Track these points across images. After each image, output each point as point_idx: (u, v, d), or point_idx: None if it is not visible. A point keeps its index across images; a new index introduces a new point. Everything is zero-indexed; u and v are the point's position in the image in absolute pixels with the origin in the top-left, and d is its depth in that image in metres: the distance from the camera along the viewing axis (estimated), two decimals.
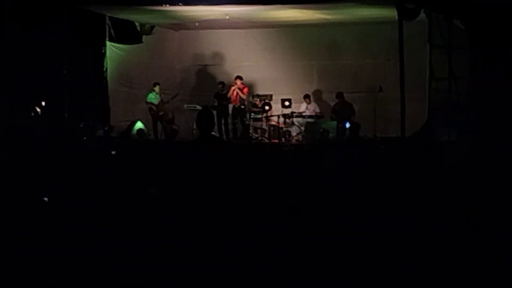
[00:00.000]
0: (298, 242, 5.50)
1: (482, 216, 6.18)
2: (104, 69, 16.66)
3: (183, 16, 16.55)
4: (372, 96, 16.50)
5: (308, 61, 18.36)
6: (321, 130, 16.08)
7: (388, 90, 15.99)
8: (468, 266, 5.02)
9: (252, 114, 17.29)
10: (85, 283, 5.01)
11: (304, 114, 17.14)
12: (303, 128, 16.93)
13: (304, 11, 15.61)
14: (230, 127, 17.29)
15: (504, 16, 13.70)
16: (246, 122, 17.24)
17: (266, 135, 17.11)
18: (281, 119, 16.84)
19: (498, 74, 13.94)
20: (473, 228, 5.82)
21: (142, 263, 5.16)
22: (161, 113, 17.19)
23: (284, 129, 17.00)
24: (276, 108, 17.27)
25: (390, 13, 14.31)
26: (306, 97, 17.51)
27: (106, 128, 15.85)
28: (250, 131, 17.16)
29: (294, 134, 17.04)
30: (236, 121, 17.27)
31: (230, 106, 17.20)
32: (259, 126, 17.32)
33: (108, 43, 16.72)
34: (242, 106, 17.22)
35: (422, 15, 14.24)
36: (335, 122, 16.51)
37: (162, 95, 17.28)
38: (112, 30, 16.81)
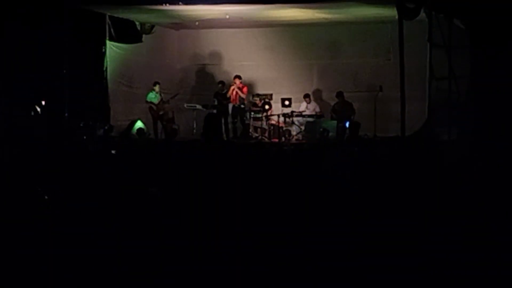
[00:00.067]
0: (298, 242, 5.49)
1: (482, 216, 6.18)
2: (104, 69, 16.67)
3: (183, 16, 16.56)
4: (372, 96, 16.51)
5: (308, 61, 18.37)
6: (321, 129, 16.09)
7: (388, 89, 16.00)
8: (468, 266, 5.01)
9: (252, 113, 17.31)
10: (85, 283, 5.00)
11: (304, 113, 17.15)
12: (303, 128, 16.94)
13: (304, 10, 15.61)
14: (230, 126, 17.29)
15: (504, 16, 13.70)
16: (246, 122, 17.25)
17: (266, 135, 17.12)
18: (281, 119, 16.85)
19: (498, 73, 13.94)
20: (473, 228, 5.81)
21: (142, 263, 5.15)
22: (161, 113, 17.20)
23: (284, 128, 17.01)
24: (276, 108, 17.28)
25: (390, 12, 14.32)
26: (306, 96, 17.52)
27: (106, 128, 15.85)
28: (250, 131, 17.18)
29: (294, 133, 17.05)
30: (236, 120, 17.27)
31: (230, 106, 17.20)
32: (259, 126, 17.33)
33: (108, 42, 16.73)
34: (242, 106, 17.23)
35: (422, 14, 14.24)
36: (335, 122, 16.52)
37: (162, 95, 17.29)
38: (112, 30, 16.82)
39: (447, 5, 14.23)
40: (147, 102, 17.18)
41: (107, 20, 16.68)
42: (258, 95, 17.67)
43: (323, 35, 18.14)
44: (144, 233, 5.72)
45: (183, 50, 19.46)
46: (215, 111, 16.94)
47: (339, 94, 17.10)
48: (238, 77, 17.24)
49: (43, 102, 15.80)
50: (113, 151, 11.24)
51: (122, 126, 16.57)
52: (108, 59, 16.72)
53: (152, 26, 18.24)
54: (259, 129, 17.29)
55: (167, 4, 14.98)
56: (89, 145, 13.71)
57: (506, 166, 8.50)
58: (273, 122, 17.11)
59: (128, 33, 17.45)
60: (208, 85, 18.59)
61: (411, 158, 9.85)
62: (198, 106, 17.50)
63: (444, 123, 14.09)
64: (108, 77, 16.74)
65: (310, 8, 15.35)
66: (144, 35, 18.01)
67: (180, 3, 14.85)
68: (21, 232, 5.68)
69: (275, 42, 18.52)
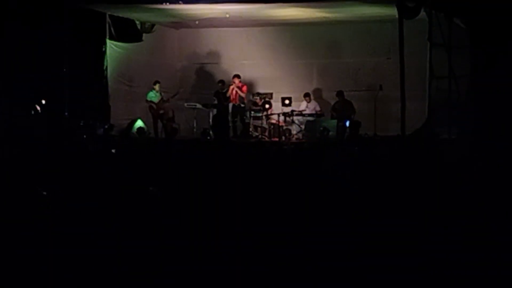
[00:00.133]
0: (298, 242, 5.49)
1: (482, 216, 6.18)
2: (104, 68, 16.65)
3: (184, 15, 16.56)
4: (372, 95, 16.51)
5: (308, 60, 18.36)
6: (321, 128, 16.07)
7: (388, 88, 16.00)
8: (468, 266, 5.01)
9: (252, 112, 17.30)
10: (85, 283, 5.00)
11: (304, 112, 17.14)
12: (303, 127, 16.92)
13: (304, 9, 15.61)
14: (230, 125, 17.27)
15: (504, 15, 13.70)
16: (246, 121, 17.24)
17: (266, 134, 17.11)
18: (281, 118, 16.84)
19: (498, 73, 13.93)
20: (473, 228, 5.82)
21: (142, 263, 5.15)
22: (161, 112, 17.19)
23: (284, 127, 17.00)
24: (276, 107, 17.27)
25: (390, 11, 14.30)
26: (306, 95, 17.51)
27: (106, 127, 15.84)
28: (250, 130, 17.16)
29: (294, 132, 17.04)
30: (236, 119, 17.26)
31: (230, 105, 17.20)
32: (259, 125, 17.32)
33: (108, 41, 16.71)
34: (242, 105, 17.22)
35: (423, 13, 14.23)
36: (335, 121, 16.51)
37: (162, 94, 17.28)
38: (112, 29, 16.80)
39: (447, 4, 14.22)
40: (147, 101, 17.17)
41: (107, 19, 16.66)
42: (258, 94, 17.67)
43: (323, 34, 18.13)
44: (144, 233, 5.72)
45: (183, 49, 19.46)
46: (215, 110, 16.96)
47: (339, 93, 17.10)
48: (237, 76, 17.24)
49: (43, 102, 15.80)
50: (113, 150, 11.25)
51: (122, 125, 16.55)
52: (108, 58, 16.70)
53: (152, 25, 18.23)
54: (259, 128, 17.28)
55: (167, 3, 14.97)
56: (89, 144, 13.71)
57: (506, 166, 8.50)
58: (273, 121, 17.10)
59: (128, 32, 17.44)
60: (208, 84, 18.58)
61: (411, 157, 9.86)
62: (198, 105, 17.49)
63: (444, 123, 14.08)
64: (108, 76, 16.72)
65: (310, 7, 15.34)
66: (144, 34, 17.99)
67: (180, 2, 14.85)
68: (21, 232, 5.68)
69: (275, 41, 18.51)
